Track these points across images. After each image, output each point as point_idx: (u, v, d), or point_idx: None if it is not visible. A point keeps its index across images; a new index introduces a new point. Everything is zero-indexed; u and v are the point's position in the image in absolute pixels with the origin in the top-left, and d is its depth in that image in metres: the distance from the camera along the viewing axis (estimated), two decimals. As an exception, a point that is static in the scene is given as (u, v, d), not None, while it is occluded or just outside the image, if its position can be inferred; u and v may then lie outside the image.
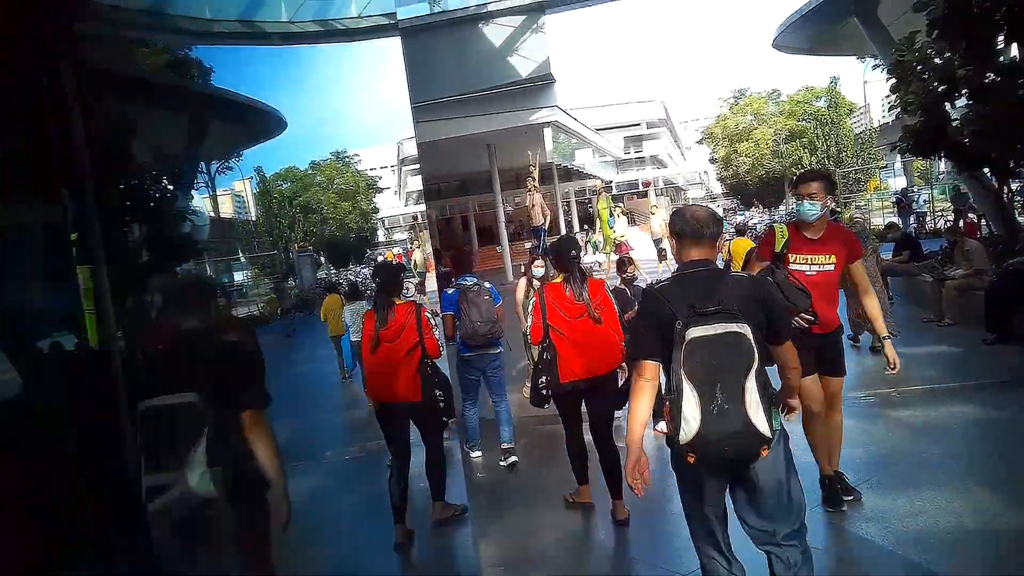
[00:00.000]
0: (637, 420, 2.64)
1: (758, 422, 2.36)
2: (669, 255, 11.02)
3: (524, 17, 22.27)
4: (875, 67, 45.77)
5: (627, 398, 2.83)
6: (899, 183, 43.05)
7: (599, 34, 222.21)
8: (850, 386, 7.17)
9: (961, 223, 18.69)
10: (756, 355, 2.40)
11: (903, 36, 12.18)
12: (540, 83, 22.78)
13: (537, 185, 18.07)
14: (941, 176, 31.18)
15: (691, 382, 2.38)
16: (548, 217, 18.36)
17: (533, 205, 17.98)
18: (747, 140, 48.48)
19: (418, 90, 23.14)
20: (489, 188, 26.95)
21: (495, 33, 22.70)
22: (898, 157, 42.70)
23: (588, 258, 20.05)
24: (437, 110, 22.98)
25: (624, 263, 7.91)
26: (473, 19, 22.65)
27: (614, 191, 46.48)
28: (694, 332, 2.40)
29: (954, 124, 11.34)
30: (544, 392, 4.48)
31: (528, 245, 21.25)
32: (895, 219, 19.98)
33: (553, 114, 23.21)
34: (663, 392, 2.65)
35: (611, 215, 17.85)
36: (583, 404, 4.60)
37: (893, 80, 12.68)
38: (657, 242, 19.69)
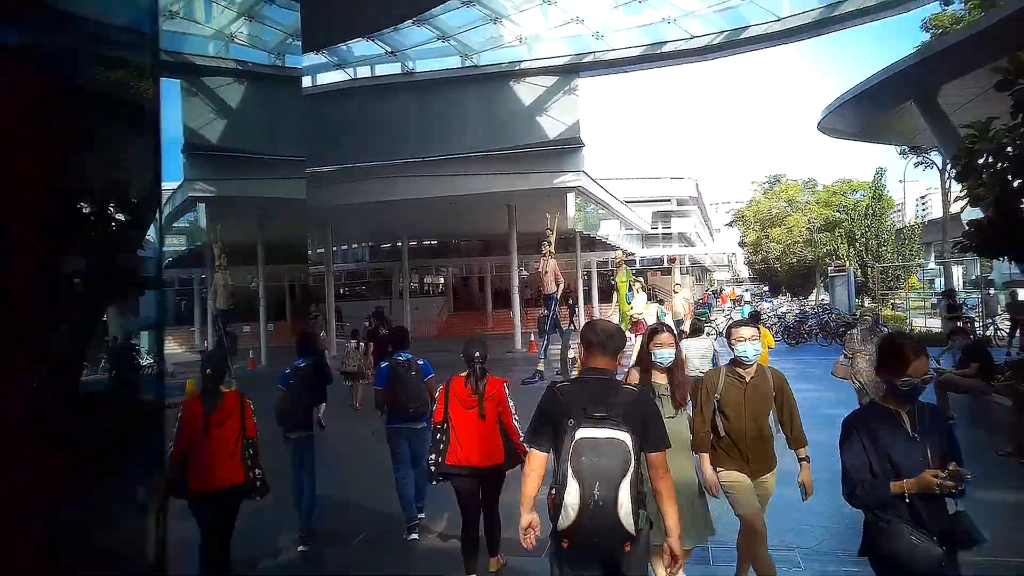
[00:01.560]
0: (527, 498, 3.00)
1: (626, 521, 2.66)
2: (685, 341, 9.28)
3: (557, 78, 21.56)
4: (917, 164, 44.80)
5: None
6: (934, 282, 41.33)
7: (633, 107, 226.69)
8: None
9: (1018, 332, 16.98)
10: (633, 461, 2.71)
11: (973, 121, 10.75)
12: (568, 147, 21.85)
13: (553, 251, 16.72)
14: (983, 278, 29.44)
15: (575, 477, 2.68)
16: (562, 285, 16.90)
17: (546, 272, 16.56)
18: (780, 226, 47.29)
19: (442, 143, 22.52)
20: (508, 250, 25.90)
21: (526, 92, 21.99)
22: (932, 256, 41.28)
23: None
24: (460, 165, 22.16)
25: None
26: (505, 76, 22.05)
27: (637, 265, 45.22)
28: (583, 433, 2.73)
29: (1032, 223, 9.82)
30: (432, 469, 4.84)
31: (541, 312, 19.86)
32: (951, 322, 18.21)
33: (579, 179, 22.17)
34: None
35: (630, 289, 16.36)
36: (479, 492, 4.83)
37: (958, 170, 11.25)
38: (678, 323, 18.12)
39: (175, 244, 8.87)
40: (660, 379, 4.31)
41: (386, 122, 22.10)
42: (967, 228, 11.14)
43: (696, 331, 9.28)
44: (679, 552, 2.94)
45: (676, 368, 4.33)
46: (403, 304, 34.27)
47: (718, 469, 4.35)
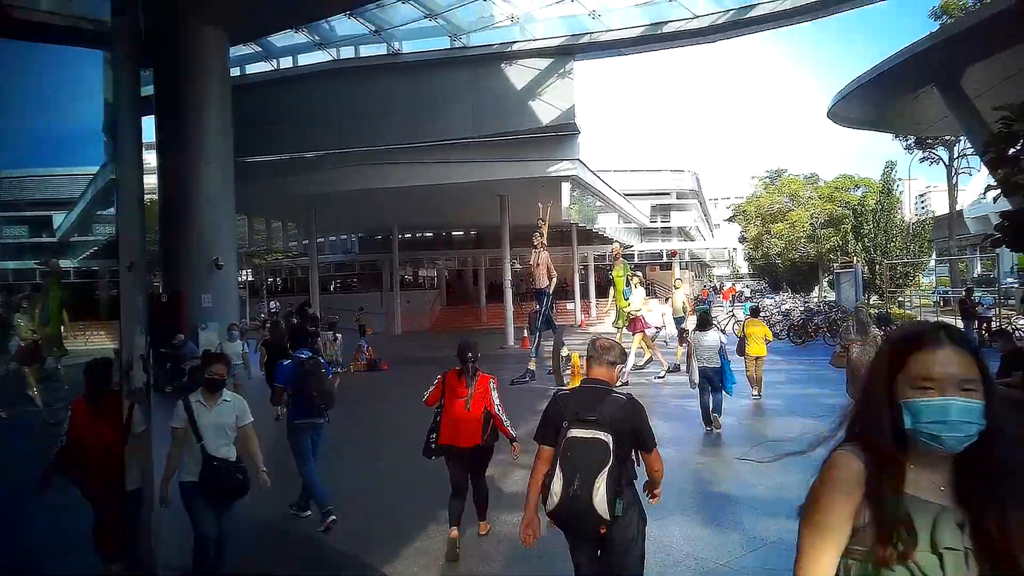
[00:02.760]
0: (533, 490, 3.39)
1: (600, 508, 3.09)
2: (692, 335, 9.66)
3: (551, 60, 20.36)
4: (923, 159, 43.69)
5: None
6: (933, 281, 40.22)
7: (631, 93, 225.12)
8: None
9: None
10: (611, 458, 3.15)
11: (1006, 103, 9.56)
12: (563, 132, 20.67)
13: (545, 243, 15.57)
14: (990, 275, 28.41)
15: (561, 468, 3.19)
16: (555, 280, 15.75)
17: (538, 264, 15.41)
18: (782, 221, 46.17)
19: (429, 129, 21.35)
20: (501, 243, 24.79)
21: (518, 75, 20.77)
22: (934, 254, 40.19)
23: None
24: (448, 152, 21.00)
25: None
26: (496, 58, 20.82)
27: (636, 259, 44.13)
28: (573, 432, 3.23)
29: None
30: (432, 446, 5.41)
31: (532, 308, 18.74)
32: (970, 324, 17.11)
33: (574, 167, 21.00)
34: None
35: (627, 284, 15.22)
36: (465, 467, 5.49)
37: (992, 156, 10.14)
38: (679, 320, 17.00)
39: (100, 233, 7.90)
40: None
41: (370, 106, 20.92)
42: (1001, 221, 10.02)
43: (704, 323, 9.66)
44: (659, 494, 3.48)
45: None
46: (394, 297, 33.19)
47: None
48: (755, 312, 13.37)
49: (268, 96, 21.40)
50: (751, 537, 5.21)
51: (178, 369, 14.42)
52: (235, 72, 20.45)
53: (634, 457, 3.37)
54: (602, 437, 3.17)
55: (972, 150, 31.99)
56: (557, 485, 3.17)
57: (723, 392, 9.45)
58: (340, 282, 44.56)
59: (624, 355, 3.66)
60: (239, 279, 27.35)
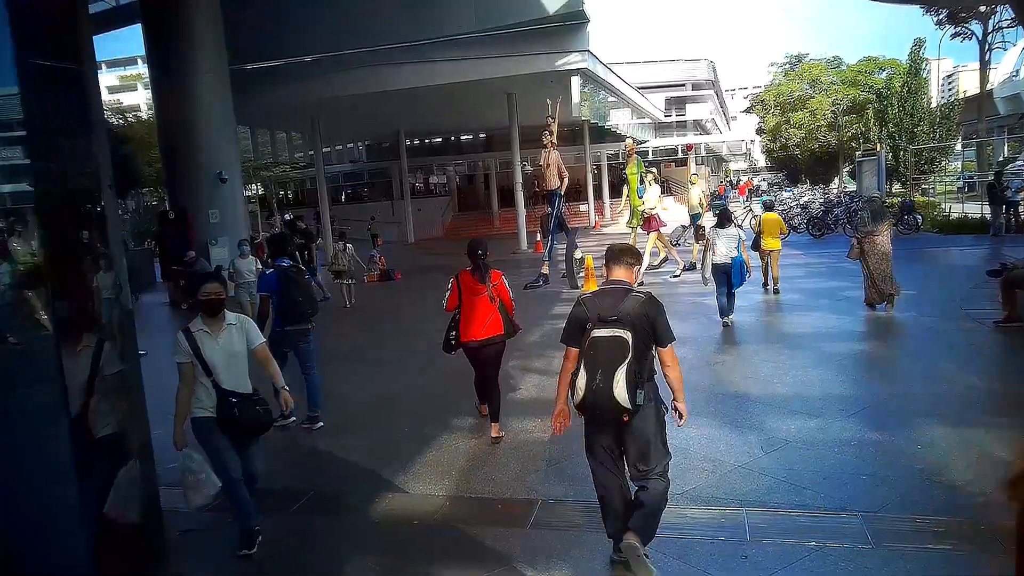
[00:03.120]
0: (562, 386, 3.73)
1: (621, 398, 3.39)
2: (711, 232, 9.46)
3: (556, -58, 18.99)
4: (954, 35, 41.20)
5: None
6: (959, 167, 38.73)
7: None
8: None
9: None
10: (631, 353, 3.42)
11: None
12: (571, 22, 19.53)
13: (555, 142, 15.00)
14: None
15: (585, 365, 3.50)
16: (566, 180, 15.29)
17: (548, 165, 14.91)
18: (802, 109, 44.35)
19: (429, 25, 20.24)
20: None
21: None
22: (960, 138, 38.53)
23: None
24: (450, 49, 19.98)
25: None
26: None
27: (650, 156, 42.96)
28: (596, 333, 3.50)
29: None
30: (453, 343, 5.90)
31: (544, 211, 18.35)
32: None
33: (584, 60, 19.98)
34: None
35: (641, 182, 14.71)
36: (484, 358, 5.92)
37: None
38: (695, 217, 16.59)
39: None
40: None
41: (368, 3, 19.78)
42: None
43: (724, 220, 9.53)
44: (684, 411, 3.69)
45: None
46: (404, 205, 32.77)
47: None
48: (769, 207, 13.32)
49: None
50: (770, 437, 5.11)
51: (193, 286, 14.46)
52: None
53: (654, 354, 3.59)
54: (621, 334, 3.44)
55: (1008, 21, 30.00)
56: (582, 381, 3.46)
57: (734, 290, 9.29)
58: (350, 191, 44.05)
59: (640, 256, 3.89)
60: (247, 193, 27.01)
